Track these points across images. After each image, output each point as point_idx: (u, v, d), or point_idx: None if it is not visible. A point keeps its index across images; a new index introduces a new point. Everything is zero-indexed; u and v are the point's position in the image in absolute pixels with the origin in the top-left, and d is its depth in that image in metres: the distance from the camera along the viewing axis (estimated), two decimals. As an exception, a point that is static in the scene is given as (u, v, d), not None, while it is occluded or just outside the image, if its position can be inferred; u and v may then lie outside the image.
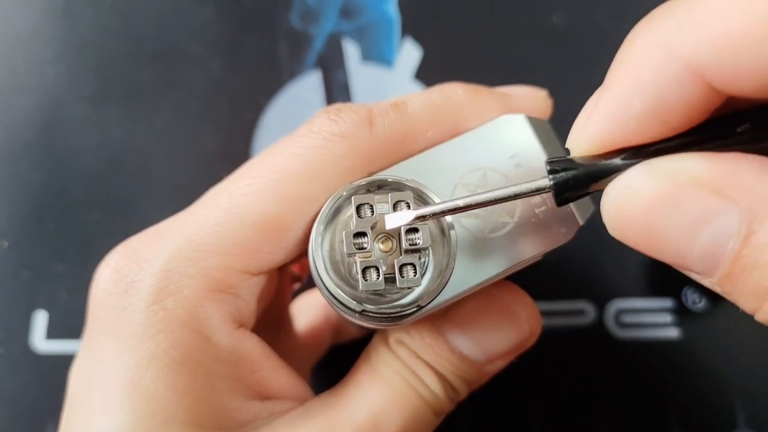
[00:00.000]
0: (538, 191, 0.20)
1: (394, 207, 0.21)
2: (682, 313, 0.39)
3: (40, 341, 0.40)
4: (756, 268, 0.16)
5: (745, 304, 0.17)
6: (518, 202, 0.23)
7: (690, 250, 0.17)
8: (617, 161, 0.19)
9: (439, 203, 0.21)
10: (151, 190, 0.42)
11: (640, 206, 0.18)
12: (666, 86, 0.17)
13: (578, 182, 0.19)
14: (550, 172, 0.20)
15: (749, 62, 0.16)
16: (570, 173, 0.20)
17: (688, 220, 0.17)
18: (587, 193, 0.20)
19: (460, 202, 0.21)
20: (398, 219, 0.21)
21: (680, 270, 0.18)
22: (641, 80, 0.18)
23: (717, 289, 0.18)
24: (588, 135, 0.19)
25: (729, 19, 0.16)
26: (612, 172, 0.19)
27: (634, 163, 0.18)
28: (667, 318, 0.39)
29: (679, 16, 0.17)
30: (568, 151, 0.20)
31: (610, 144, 0.19)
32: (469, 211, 0.21)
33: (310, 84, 0.44)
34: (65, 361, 0.38)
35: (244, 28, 0.45)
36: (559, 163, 0.20)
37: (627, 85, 0.18)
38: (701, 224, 0.17)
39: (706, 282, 0.18)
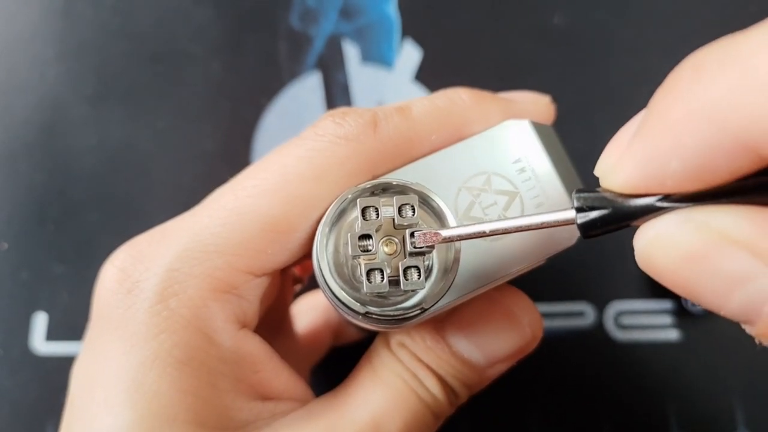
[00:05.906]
0: (566, 223, 0.19)
1: (399, 210, 0.21)
2: (681, 314, 0.39)
3: (40, 343, 0.40)
4: None
5: None
6: (521, 206, 0.23)
7: (724, 306, 0.16)
8: (651, 201, 0.17)
9: (465, 227, 0.21)
10: (151, 190, 0.42)
11: (672, 260, 0.17)
12: (710, 157, 0.16)
13: (607, 223, 0.18)
14: (578, 210, 0.19)
15: None
16: (599, 213, 0.18)
17: (721, 279, 0.16)
18: (616, 229, 0.18)
19: (486, 229, 0.20)
20: (425, 240, 0.21)
21: None
22: (681, 144, 0.16)
23: (757, 339, 0.17)
24: (621, 178, 0.18)
25: None
26: (645, 213, 0.17)
27: (669, 208, 0.17)
28: (667, 320, 0.39)
29: (731, 78, 0.15)
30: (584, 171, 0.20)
31: (644, 191, 0.17)
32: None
33: (310, 85, 0.44)
34: (65, 363, 0.38)
35: (244, 28, 0.45)
36: (588, 199, 0.18)
37: (665, 143, 0.16)
38: (735, 285, 0.16)
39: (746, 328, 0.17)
